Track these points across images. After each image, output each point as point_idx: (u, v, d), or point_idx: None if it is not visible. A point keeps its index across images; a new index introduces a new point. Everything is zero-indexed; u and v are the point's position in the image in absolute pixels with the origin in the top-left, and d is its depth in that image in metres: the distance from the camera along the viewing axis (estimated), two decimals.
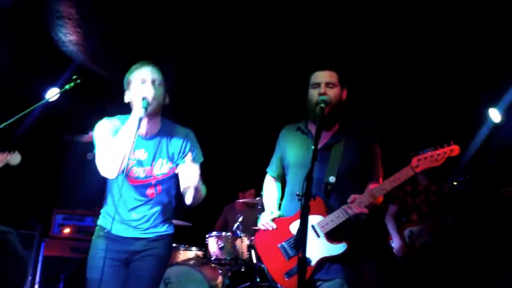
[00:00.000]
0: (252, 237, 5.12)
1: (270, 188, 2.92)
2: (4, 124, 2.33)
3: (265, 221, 2.67)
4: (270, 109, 5.96)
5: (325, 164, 2.53)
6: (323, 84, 2.56)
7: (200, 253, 5.09)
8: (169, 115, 2.59)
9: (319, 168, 2.49)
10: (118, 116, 2.55)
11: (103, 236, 2.58)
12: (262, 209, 5.13)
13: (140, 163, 2.52)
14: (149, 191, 2.58)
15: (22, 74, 4.92)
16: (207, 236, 5.05)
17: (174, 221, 4.91)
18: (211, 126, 6.23)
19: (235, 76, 5.69)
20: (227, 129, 6.39)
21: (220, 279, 4.81)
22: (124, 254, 2.58)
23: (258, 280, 4.96)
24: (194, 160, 2.54)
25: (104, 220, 2.63)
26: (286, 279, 2.47)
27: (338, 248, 2.42)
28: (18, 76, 4.90)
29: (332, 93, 2.55)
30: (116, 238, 2.57)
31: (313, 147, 2.30)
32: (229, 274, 4.87)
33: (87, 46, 5.13)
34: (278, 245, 2.58)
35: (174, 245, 5.02)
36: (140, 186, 2.56)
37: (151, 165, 2.53)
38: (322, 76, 2.59)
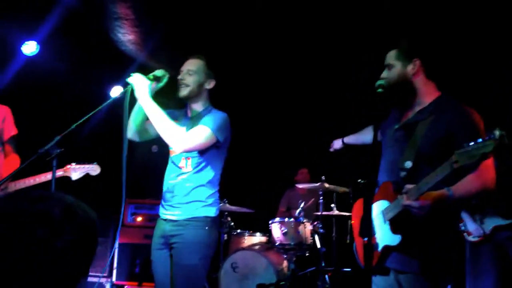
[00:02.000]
0: (315, 222, 5.16)
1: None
2: (74, 124, 2.47)
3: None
4: (319, 96, 5.95)
5: (404, 145, 2.29)
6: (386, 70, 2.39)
7: (264, 238, 5.19)
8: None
9: (397, 149, 2.32)
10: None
11: (157, 220, 2.82)
12: (324, 194, 5.23)
13: None
14: (182, 163, 2.72)
15: (83, 74, 5.17)
16: (270, 222, 5.13)
17: (237, 208, 5.13)
18: (267, 114, 6.30)
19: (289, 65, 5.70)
20: (282, 115, 6.42)
21: (285, 263, 4.89)
22: (162, 238, 2.71)
23: (323, 264, 5.00)
24: (202, 124, 2.67)
25: None
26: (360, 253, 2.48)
27: (394, 239, 2.24)
28: (80, 77, 5.16)
29: (390, 74, 2.35)
30: (158, 220, 2.79)
31: (396, 126, 2.27)
32: (294, 259, 4.93)
33: (145, 45, 5.34)
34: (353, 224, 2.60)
35: (238, 231, 5.18)
36: (175, 157, 2.76)
37: None
38: (386, 59, 2.41)
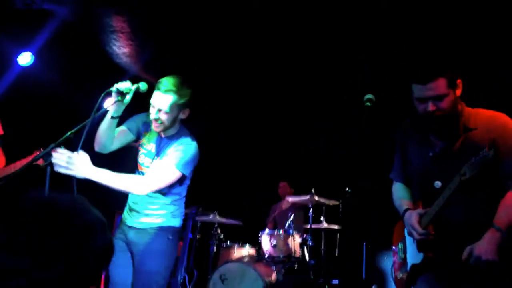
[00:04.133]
0: (304, 235, 5.22)
1: (398, 190, 2.55)
2: (69, 133, 2.51)
3: (413, 229, 2.24)
4: (310, 109, 6.02)
5: (439, 166, 2.24)
6: (430, 103, 2.13)
7: (252, 250, 5.22)
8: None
9: (436, 170, 2.25)
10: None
11: (120, 225, 2.85)
12: (313, 207, 5.29)
13: (149, 154, 2.78)
14: None
15: (77, 85, 5.22)
16: (259, 234, 5.18)
17: (226, 220, 5.16)
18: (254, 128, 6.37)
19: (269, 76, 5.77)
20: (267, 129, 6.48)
21: (274, 275, 4.93)
22: (124, 243, 2.74)
23: (312, 277, 5.04)
24: (168, 158, 2.64)
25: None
26: (397, 277, 2.48)
27: (418, 257, 2.28)
28: (75, 87, 5.20)
29: (446, 104, 2.12)
30: (122, 226, 2.80)
31: (431, 154, 2.24)
32: (283, 271, 4.97)
33: (139, 58, 5.42)
34: (393, 247, 2.59)
35: (228, 242, 5.22)
36: (141, 172, 2.77)
37: (154, 158, 2.75)
38: (426, 91, 2.12)
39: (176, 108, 2.63)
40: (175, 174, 2.62)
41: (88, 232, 1.01)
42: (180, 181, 2.71)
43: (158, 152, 2.75)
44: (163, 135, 2.78)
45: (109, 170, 2.44)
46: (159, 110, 2.60)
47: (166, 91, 2.58)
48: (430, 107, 2.11)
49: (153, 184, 2.58)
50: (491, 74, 4.90)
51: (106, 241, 1.05)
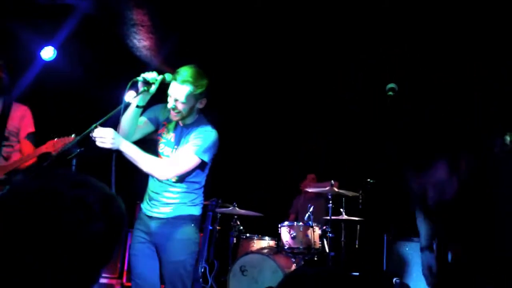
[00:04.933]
0: (324, 226, 5.21)
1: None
2: (93, 126, 2.56)
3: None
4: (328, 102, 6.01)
5: None
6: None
7: (272, 242, 5.24)
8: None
9: None
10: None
11: (139, 215, 2.87)
12: (333, 199, 5.26)
13: (168, 143, 2.81)
14: None
15: (99, 78, 5.29)
16: (279, 225, 5.19)
17: (246, 212, 5.19)
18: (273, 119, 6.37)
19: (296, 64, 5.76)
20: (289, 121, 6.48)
21: (293, 267, 4.94)
22: (146, 234, 2.77)
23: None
24: (188, 145, 2.68)
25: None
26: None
27: None
28: (96, 81, 5.28)
29: None
30: (142, 216, 2.82)
31: None
32: (302, 262, 4.98)
33: (160, 51, 5.46)
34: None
35: (247, 235, 5.25)
36: None
37: (174, 148, 2.78)
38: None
39: (192, 98, 2.68)
40: (195, 160, 2.67)
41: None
42: (200, 168, 2.75)
43: (178, 141, 2.79)
44: (182, 124, 2.82)
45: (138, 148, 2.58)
46: (176, 100, 2.66)
47: (183, 81, 2.63)
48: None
49: (175, 170, 2.65)
50: (491, 74, 4.82)
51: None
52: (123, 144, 2.52)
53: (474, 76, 4.92)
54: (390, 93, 2.39)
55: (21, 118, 3.35)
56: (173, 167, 2.66)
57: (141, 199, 2.90)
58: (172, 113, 2.70)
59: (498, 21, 4.35)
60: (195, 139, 2.70)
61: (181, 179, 2.75)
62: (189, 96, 2.66)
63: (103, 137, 2.46)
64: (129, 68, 5.37)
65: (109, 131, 2.48)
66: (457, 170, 1.95)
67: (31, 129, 3.32)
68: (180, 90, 2.64)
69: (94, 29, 4.98)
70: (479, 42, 4.62)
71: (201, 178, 2.84)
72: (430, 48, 4.95)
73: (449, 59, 4.97)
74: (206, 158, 2.70)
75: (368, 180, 5.37)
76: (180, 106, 2.67)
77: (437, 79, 5.16)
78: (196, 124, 2.80)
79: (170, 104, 2.68)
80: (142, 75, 2.59)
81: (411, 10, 4.47)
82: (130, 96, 2.69)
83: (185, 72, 2.65)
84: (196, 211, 2.82)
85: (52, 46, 4.63)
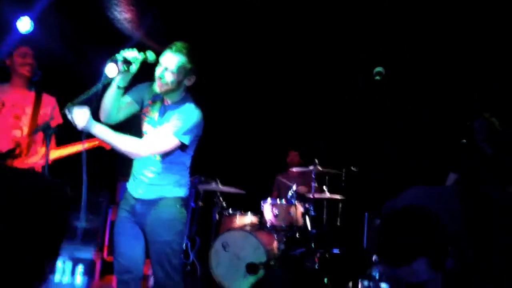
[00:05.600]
0: (306, 204, 5.24)
1: None
2: (70, 103, 2.50)
3: None
4: (314, 81, 5.99)
5: None
6: None
7: (255, 218, 5.26)
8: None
9: None
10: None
11: (124, 195, 2.84)
12: (316, 176, 5.28)
13: (151, 121, 2.76)
14: None
15: (79, 52, 5.16)
16: (262, 202, 5.20)
17: (228, 188, 5.19)
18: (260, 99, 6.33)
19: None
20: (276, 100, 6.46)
21: (275, 244, 4.98)
22: (131, 214, 2.75)
23: (313, 246, 5.09)
24: (168, 125, 2.64)
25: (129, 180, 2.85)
26: None
27: None
28: (76, 54, 5.15)
29: None
30: (127, 196, 2.80)
31: None
32: (284, 239, 5.02)
33: (141, 23, 5.32)
34: None
35: (230, 211, 5.26)
36: None
37: (156, 127, 2.73)
38: None
39: (183, 71, 2.64)
40: (173, 142, 2.62)
41: None
42: (181, 148, 2.69)
43: (161, 119, 2.73)
44: (166, 103, 2.76)
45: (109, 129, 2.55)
46: (166, 69, 2.62)
47: (177, 51, 2.61)
48: None
49: (149, 148, 2.60)
50: (491, 73, 4.85)
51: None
52: (94, 126, 2.49)
53: (474, 76, 4.94)
54: (377, 77, 2.34)
55: (53, 109, 3.34)
56: (148, 146, 2.61)
57: (123, 176, 2.86)
58: (158, 83, 2.63)
59: (498, 21, 4.35)
60: (176, 119, 2.64)
61: (163, 159, 2.71)
62: (180, 67, 2.62)
63: (77, 117, 2.44)
64: (110, 42, 5.24)
65: (83, 112, 2.45)
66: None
67: (60, 120, 3.27)
68: (172, 59, 2.61)
69: (74, 0, 4.83)
70: (479, 42, 4.63)
71: (185, 159, 2.79)
72: (430, 48, 4.97)
73: (449, 59, 5.00)
74: (186, 140, 2.65)
75: (352, 167, 5.40)
76: (168, 77, 2.62)
77: (436, 79, 5.19)
78: (180, 103, 2.74)
79: (158, 72, 2.62)
80: (122, 53, 2.51)
81: (411, 10, 4.46)
82: (110, 72, 2.61)
83: (181, 44, 2.65)
84: (182, 192, 2.78)
85: (29, 17, 4.47)
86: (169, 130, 2.61)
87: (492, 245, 1.97)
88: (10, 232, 0.98)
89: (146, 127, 2.77)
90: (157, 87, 2.65)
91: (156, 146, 2.61)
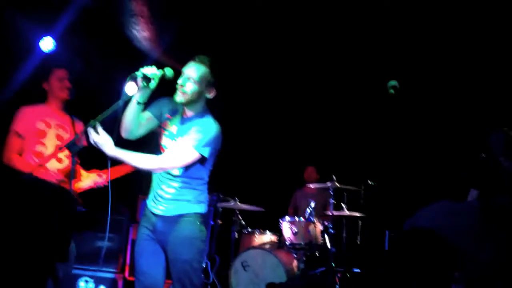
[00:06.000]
0: (326, 222, 5.17)
1: None
2: (92, 121, 2.51)
3: None
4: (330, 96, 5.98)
5: None
6: None
7: (274, 237, 5.21)
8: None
9: None
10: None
11: (145, 212, 2.82)
12: (334, 193, 5.21)
13: (170, 135, 2.76)
14: None
15: (99, 70, 5.22)
16: (280, 221, 5.14)
17: (247, 206, 5.14)
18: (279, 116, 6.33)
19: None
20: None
21: (295, 263, 4.91)
22: (151, 232, 2.73)
23: (333, 265, 5.00)
24: (187, 139, 2.65)
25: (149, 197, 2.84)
26: None
27: None
28: (96, 73, 5.21)
29: None
30: (147, 213, 2.78)
31: None
32: (304, 258, 4.94)
33: (160, 42, 5.37)
34: None
35: (249, 229, 5.21)
36: None
37: (174, 139, 2.73)
38: None
39: (204, 81, 2.67)
40: (194, 155, 2.62)
41: None
42: (201, 162, 2.68)
43: (180, 132, 2.73)
44: (185, 115, 2.76)
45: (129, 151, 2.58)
46: (188, 79, 2.64)
47: (200, 62, 2.68)
48: None
49: (170, 162, 2.61)
50: (492, 73, 4.80)
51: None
52: (114, 153, 2.52)
53: (494, 89, 4.90)
54: (392, 91, 2.31)
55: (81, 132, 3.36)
56: (169, 160, 2.62)
57: (142, 194, 2.85)
58: (179, 92, 2.65)
59: (498, 20, 4.32)
60: (196, 132, 2.65)
61: (182, 174, 2.70)
62: (202, 78, 2.66)
63: (100, 143, 2.49)
64: (129, 60, 5.29)
65: (106, 139, 2.49)
66: None
67: (85, 143, 3.32)
68: (195, 69, 2.66)
69: (94, 20, 4.90)
70: (499, 56, 4.60)
71: (204, 173, 2.78)
72: (448, 60, 4.95)
73: (468, 71, 4.97)
74: (205, 153, 2.65)
75: (369, 182, 5.33)
76: (189, 86, 2.65)
77: (456, 92, 5.15)
78: (199, 116, 2.75)
79: (180, 81, 2.65)
80: (141, 70, 2.55)
81: (428, 23, 4.45)
82: (129, 90, 2.64)
83: (205, 56, 2.71)
84: (201, 208, 2.77)
85: (51, 36, 4.54)
86: (188, 143, 2.62)
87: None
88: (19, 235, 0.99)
89: (165, 141, 2.77)
90: (177, 97, 2.67)
91: (177, 160, 2.61)
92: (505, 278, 2.00)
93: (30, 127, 3.17)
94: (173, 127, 2.77)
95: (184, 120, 2.76)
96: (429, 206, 2.48)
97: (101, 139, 2.48)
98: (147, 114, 2.74)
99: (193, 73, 2.65)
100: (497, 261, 1.90)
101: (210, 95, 2.74)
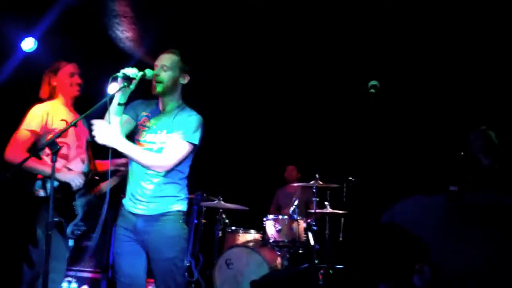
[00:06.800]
0: (309, 220, 5.23)
1: None
2: (73, 122, 2.52)
3: None
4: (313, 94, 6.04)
5: None
6: None
7: (258, 235, 5.25)
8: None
9: None
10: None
11: (122, 212, 2.81)
12: (317, 191, 5.27)
13: (151, 130, 2.77)
14: None
15: (81, 70, 5.21)
16: (264, 219, 5.19)
17: (231, 205, 5.18)
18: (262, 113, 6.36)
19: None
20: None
21: (279, 260, 4.96)
22: (131, 232, 2.71)
23: (316, 261, 5.06)
24: (175, 135, 2.68)
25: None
26: None
27: None
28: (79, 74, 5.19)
29: None
30: (125, 213, 2.77)
31: None
32: (288, 256, 5.00)
33: (143, 42, 5.38)
34: None
35: (233, 228, 5.25)
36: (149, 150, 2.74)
37: (156, 133, 2.75)
38: None
39: (177, 67, 2.75)
40: (187, 146, 2.67)
41: None
42: (193, 152, 2.74)
43: (161, 126, 2.75)
44: (163, 109, 2.80)
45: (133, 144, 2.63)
46: (161, 67, 2.72)
47: (171, 51, 2.78)
48: None
49: (171, 159, 2.63)
50: (491, 85, 4.90)
51: None
52: (119, 140, 2.50)
53: (473, 87, 4.98)
54: (372, 90, 2.37)
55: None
56: (169, 157, 2.64)
57: (124, 193, 2.85)
58: (155, 83, 2.71)
59: (499, 29, 4.41)
60: (180, 127, 2.69)
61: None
62: (173, 63, 2.73)
63: (101, 132, 2.43)
64: (112, 60, 5.29)
65: (107, 126, 2.46)
66: None
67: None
68: (167, 57, 2.75)
69: (76, 20, 4.88)
70: (478, 53, 4.68)
71: (185, 166, 2.80)
72: (428, 58, 5.02)
73: (447, 70, 5.05)
74: (196, 140, 2.71)
75: (350, 178, 5.40)
76: (164, 74, 2.71)
77: (435, 91, 5.24)
78: (179, 109, 2.80)
79: (155, 72, 2.70)
80: (122, 70, 2.56)
81: (407, 21, 4.52)
82: (112, 89, 2.66)
83: (174, 49, 2.81)
84: (183, 206, 2.79)
85: (33, 37, 4.52)
86: (178, 137, 2.67)
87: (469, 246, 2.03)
88: None
89: (144, 136, 2.77)
90: (154, 89, 2.73)
91: (176, 156, 2.64)
92: (471, 275, 2.06)
93: (50, 126, 2.99)
94: (152, 121, 2.80)
95: (163, 114, 2.80)
96: (405, 200, 2.56)
97: (102, 127, 2.44)
98: (124, 116, 2.75)
99: (164, 61, 2.73)
100: (463, 255, 1.96)
101: (185, 80, 2.80)
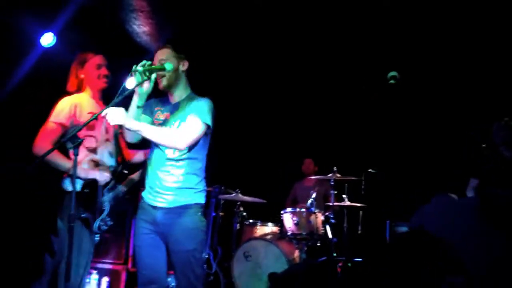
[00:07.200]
0: (327, 212, 5.21)
1: None
2: (94, 116, 2.55)
3: None
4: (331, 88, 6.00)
5: None
6: None
7: (276, 228, 5.25)
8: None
9: None
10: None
11: (141, 205, 2.86)
12: (335, 184, 5.24)
13: (165, 122, 2.83)
14: (169, 150, 2.77)
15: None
16: (282, 212, 5.19)
17: (249, 198, 5.19)
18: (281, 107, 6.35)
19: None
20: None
21: (297, 253, 4.95)
22: (150, 224, 2.76)
23: (334, 254, 5.05)
24: (190, 118, 2.74)
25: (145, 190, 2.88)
26: None
27: None
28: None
29: None
30: (145, 206, 2.81)
31: None
32: (305, 248, 4.99)
33: (160, 36, 5.39)
34: None
35: (251, 221, 5.26)
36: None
37: (172, 125, 2.79)
38: None
39: (173, 57, 2.82)
40: (201, 126, 2.71)
41: None
42: (204, 137, 2.78)
43: (175, 116, 2.80)
44: (174, 101, 2.87)
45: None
46: (159, 62, 2.79)
47: (163, 46, 2.88)
48: None
49: (187, 137, 2.68)
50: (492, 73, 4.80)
51: None
52: (130, 121, 2.58)
53: (496, 78, 4.90)
54: (392, 81, 2.33)
55: None
56: (185, 135, 2.68)
57: (144, 186, 2.88)
58: (159, 79, 2.77)
59: (498, 19, 4.32)
60: (193, 112, 2.74)
61: (185, 154, 2.75)
62: (169, 55, 2.82)
63: (114, 114, 2.51)
64: (129, 54, 5.32)
65: (118, 110, 2.53)
66: None
67: None
68: (161, 52, 2.84)
69: (94, 15, 4.92)
70: (500, 44, 4.60)
71: (202, 154, 2.84)
72: (449, 49, 4.95)
73: (468, 60, 4.97)
74: (208, 120, 2.75)
75: (370, 170, 5.35)
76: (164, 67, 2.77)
77: (458, 81, 5.16)
78: (189, 100, 2.85)
79: (156, 69, 2.75)
80: (141, 64, 2.64)
81: (427, 13, 4.45)
82: (130, 84, 2.70)
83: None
84: (201, 199, 2.82)
85: (52, 32, 4.57)
86: (192, 119, 2.71)
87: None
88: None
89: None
90: (160, 84, 2.80)
91: (191, 134, 2.69)
92: (503, 279, 2.00)
93: (78, 118, 2.96)
94: (165, 114, 2.85)
95: (174, 106, 2.86)
96: (430, 204, 2.48)
97: (115, 112, 2.51)
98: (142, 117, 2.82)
99: (160, 56, 2.82)
100: (496, 261, 1.91)
101: (184, 67, 2.87)
